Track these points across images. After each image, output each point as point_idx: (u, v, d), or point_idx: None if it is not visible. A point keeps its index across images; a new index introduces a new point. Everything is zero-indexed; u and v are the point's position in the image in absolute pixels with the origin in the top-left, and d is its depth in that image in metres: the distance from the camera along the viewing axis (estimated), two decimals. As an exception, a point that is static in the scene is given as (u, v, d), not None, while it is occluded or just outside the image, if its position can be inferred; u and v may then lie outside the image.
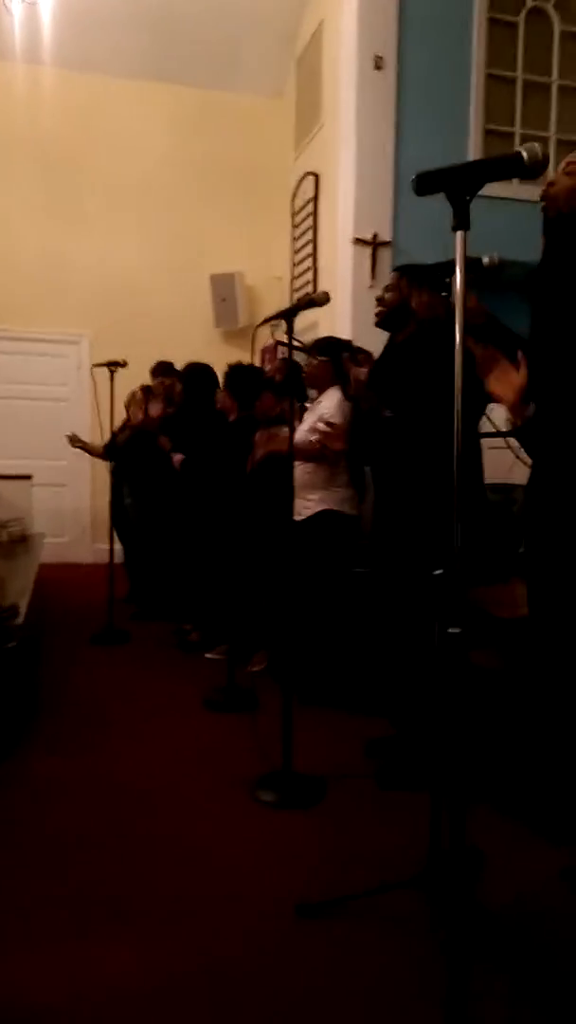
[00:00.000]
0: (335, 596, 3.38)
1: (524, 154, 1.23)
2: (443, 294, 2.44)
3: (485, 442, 2.63)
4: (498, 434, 2.23)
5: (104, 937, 1.77)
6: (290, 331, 2.50)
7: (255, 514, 3.73)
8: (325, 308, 2.65)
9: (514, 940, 1.76)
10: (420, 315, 2.64)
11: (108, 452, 5.16)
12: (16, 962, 1.69)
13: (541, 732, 2.31)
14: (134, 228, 7.03)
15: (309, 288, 6.18)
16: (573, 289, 2.03)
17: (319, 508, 3.38)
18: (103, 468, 5.54)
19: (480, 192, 1.24)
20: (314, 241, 6.11)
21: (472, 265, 1.50)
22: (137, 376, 4.94)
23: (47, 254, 6.89)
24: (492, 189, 1.40)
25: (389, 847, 2.17)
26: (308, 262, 6.23)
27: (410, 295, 2.64)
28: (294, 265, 6.62)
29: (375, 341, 4.53)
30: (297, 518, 3.02)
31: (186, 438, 4.32)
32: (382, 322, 2.79)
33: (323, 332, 4.80)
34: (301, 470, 3.22)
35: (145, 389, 5.09)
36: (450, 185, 1.21)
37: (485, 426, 2.33)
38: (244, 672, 3.69)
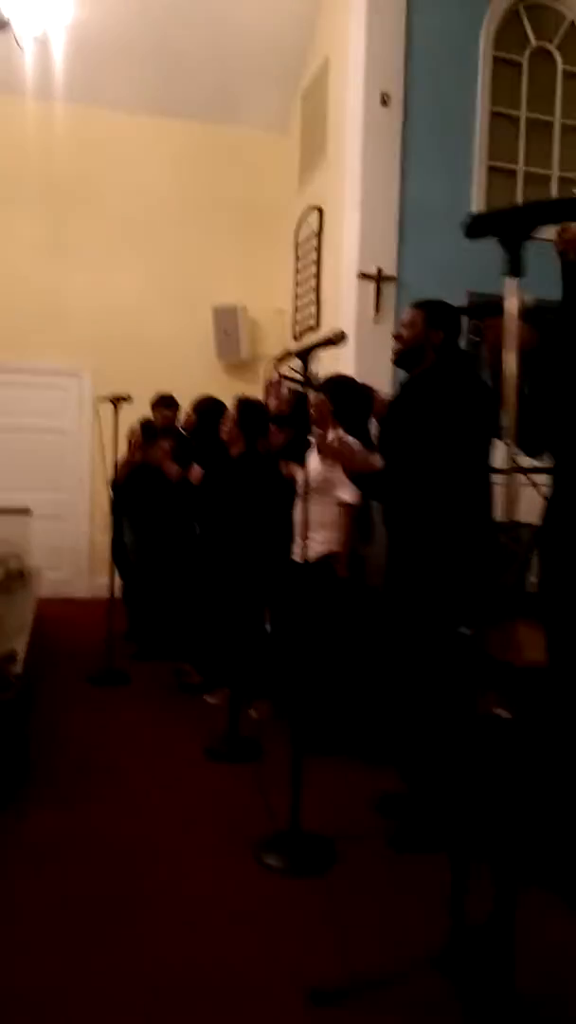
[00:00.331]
0: (342, 642, 3.26)
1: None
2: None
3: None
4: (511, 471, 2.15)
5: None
6: (305, 370, 2.43)
7: (258, 553, 3.63)
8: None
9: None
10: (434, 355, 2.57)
11: (112, 487, 5.05)
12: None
13: (565, 788, 2.19)
14: (137, 261, 7.00)
15: (312, 322, 6.14)
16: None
17: (325, 549, 3.27)
18: (102, 502, 5.40)
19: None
20: (318, 275, 6.08)
21: (498, 308, 1.42)
22: (138, 408, 4.86)
23: (50, 287, 6.86)
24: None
25: (407, 919, 2.03)
26: (311, 296, 6.19)
27: (426, 334, 2.56)
28: (297, 298, 6.59)
29: (378, 375, 4.50)
30: (302, 558, 2.91)
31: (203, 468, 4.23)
32: (399, 360, 2.69)
33: (325, 364, 4.74)
34: (312, 508, 3.11)
35: (144, 424, 5.01)
36: (503, 229, 1.10)
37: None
38: (246, 718, 3.56)
